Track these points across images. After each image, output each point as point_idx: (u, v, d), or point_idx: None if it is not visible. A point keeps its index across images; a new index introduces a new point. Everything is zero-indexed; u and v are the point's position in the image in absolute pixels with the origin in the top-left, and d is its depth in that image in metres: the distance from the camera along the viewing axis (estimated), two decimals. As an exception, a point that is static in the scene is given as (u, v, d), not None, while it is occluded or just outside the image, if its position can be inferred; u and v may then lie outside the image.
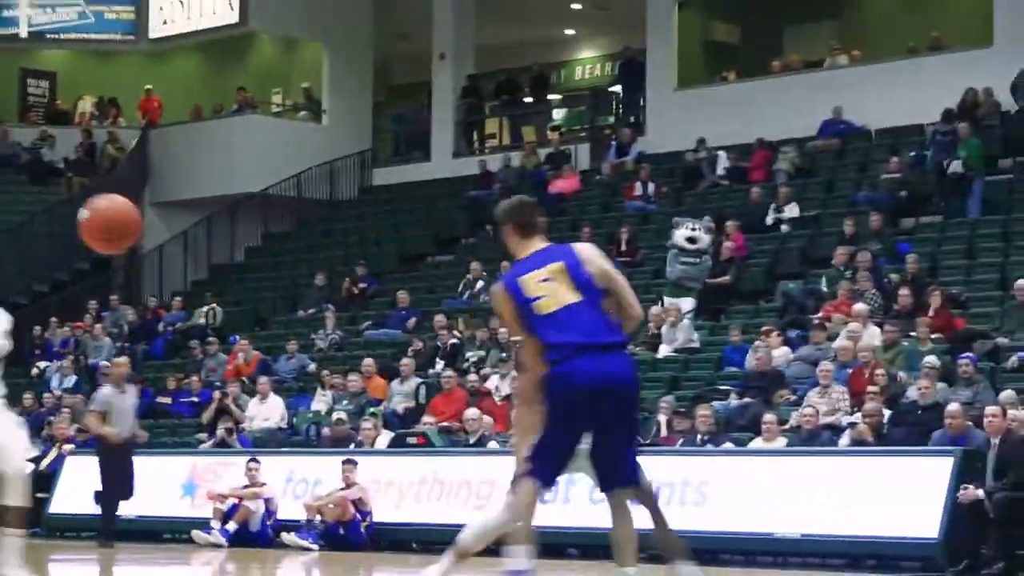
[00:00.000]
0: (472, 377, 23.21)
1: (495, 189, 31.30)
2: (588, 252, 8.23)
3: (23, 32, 39.38)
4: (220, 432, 22.90)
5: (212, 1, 37.37)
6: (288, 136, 36.64)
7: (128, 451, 19.68)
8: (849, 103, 29.35)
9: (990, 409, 16.64)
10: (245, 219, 35.90)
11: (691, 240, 24.93)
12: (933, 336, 20.52)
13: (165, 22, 38.31)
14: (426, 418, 22.06)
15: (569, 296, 8.00)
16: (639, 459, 8.22)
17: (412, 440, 20.99)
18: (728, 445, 18.60)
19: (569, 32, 40.10)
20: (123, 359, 21.56)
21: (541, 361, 7.94)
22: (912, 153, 27.02)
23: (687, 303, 24.31)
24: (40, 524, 21.86)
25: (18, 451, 10.10)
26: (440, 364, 24.49)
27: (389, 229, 33.99)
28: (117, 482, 19.48)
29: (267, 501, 20.21)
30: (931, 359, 19.02)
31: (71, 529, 22.75)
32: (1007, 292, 21.84)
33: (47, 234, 34.22)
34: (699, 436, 18.86)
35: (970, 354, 19.31)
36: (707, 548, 15.95)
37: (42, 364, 29.90)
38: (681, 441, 19.04)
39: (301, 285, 32.12)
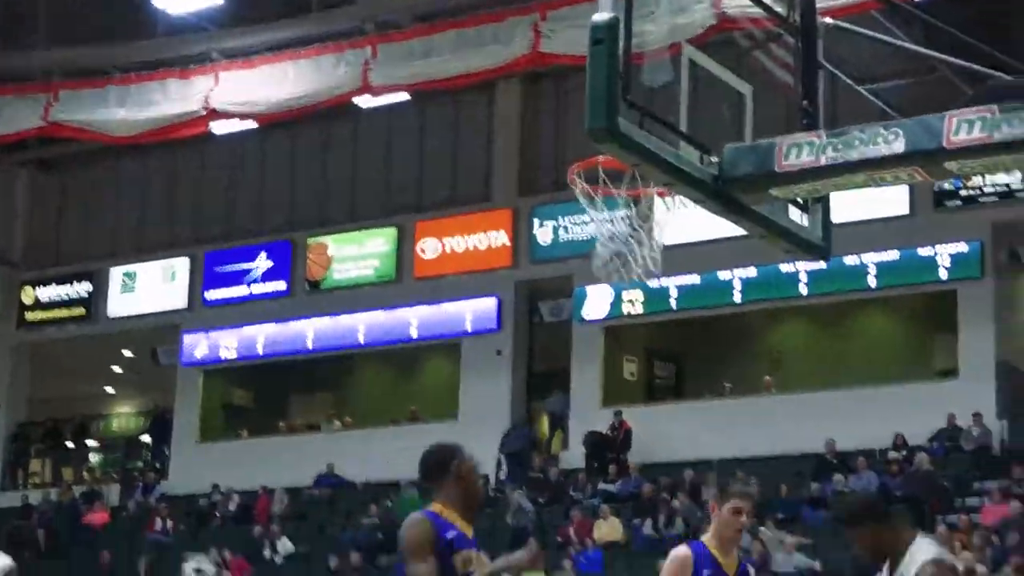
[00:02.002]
0: None
1: (34, 519, 30.52)
2: None
3: None
4: None
5: None
6: None
7: None
8: (340, 460, 29.89)
9: None
10: None
11: (198, 572, 24.67)
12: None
13: None
14: None
15: None
16: None
17: None
18: None
19: (109, 389, 39.69)
20: None
21: None
22: (388, 503, 27.73)
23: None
24: None
25: None
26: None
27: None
28: None
29: None
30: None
31: None
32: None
33: None
34: None
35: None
36: None
37: None
38: None
39: None
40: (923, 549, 6.27)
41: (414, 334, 30.63)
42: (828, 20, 7.73)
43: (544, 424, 29.93)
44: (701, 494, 25.25)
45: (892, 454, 24.30)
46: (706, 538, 7.12)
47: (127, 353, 36.35)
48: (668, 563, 7.02)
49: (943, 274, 25.97)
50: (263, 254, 32.39)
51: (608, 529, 24.54)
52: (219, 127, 28.95)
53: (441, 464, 6.77)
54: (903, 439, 24.59)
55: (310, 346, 31.53)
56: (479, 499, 6.77)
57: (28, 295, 35.08)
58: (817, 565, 21.51)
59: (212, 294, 32.83)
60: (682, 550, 7.06)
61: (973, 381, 25.37)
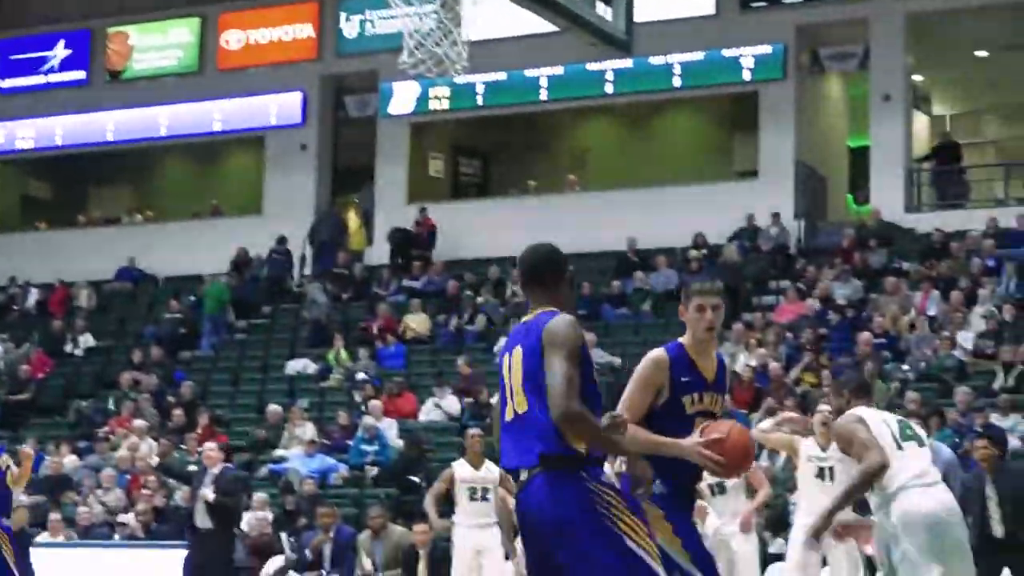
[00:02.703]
0: None
1: None
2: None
3: None
4: None
5: None
6: None
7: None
8: (142, 254, 29.28)
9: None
10: None
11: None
12: (199, 450, 20.65)
13: None
14: None
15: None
16: None
17: None
18: None
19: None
20: None
21: None
22: (192, 298, 27.36)
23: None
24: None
25: None
26: None
27: None
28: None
29: None
30: (196, 468, 19.17)
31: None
32: (263, 415, 22.32)
33: None
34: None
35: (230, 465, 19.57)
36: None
37: None
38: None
39: None
40: None
41: (217, 127, 29.93)
42: None
43: (352, 217, 29.61)
44: (505, 291, 25.33)
45: (692, 252, 24.53)
46: (683, 339, 6.86)
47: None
48: (641, 366, 6.70)
49: (746, 75, 26.03)
50: (61, 43, 31.16)
51: (416, 323, 24.49)
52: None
53: (557, 265, 5.96)
54: (703, 238, 24.82)
55: (110, 138, 30.62)
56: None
57: None
58: (617, 361, 21.76)
59: (7, 83, 31.58)
60: (657, 352, 6.71)
61: (772, 181, 25.65)
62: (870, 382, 11.69)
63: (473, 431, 14.63)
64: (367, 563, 15.78)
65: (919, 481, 8.21)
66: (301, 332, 25.88)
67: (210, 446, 15.92)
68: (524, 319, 5.82)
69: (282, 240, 27.70)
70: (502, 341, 22.74)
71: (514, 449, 5.60)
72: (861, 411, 8.51)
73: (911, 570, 8.00)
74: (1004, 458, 11.49)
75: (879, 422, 8.43)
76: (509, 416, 5.62)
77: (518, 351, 5.68)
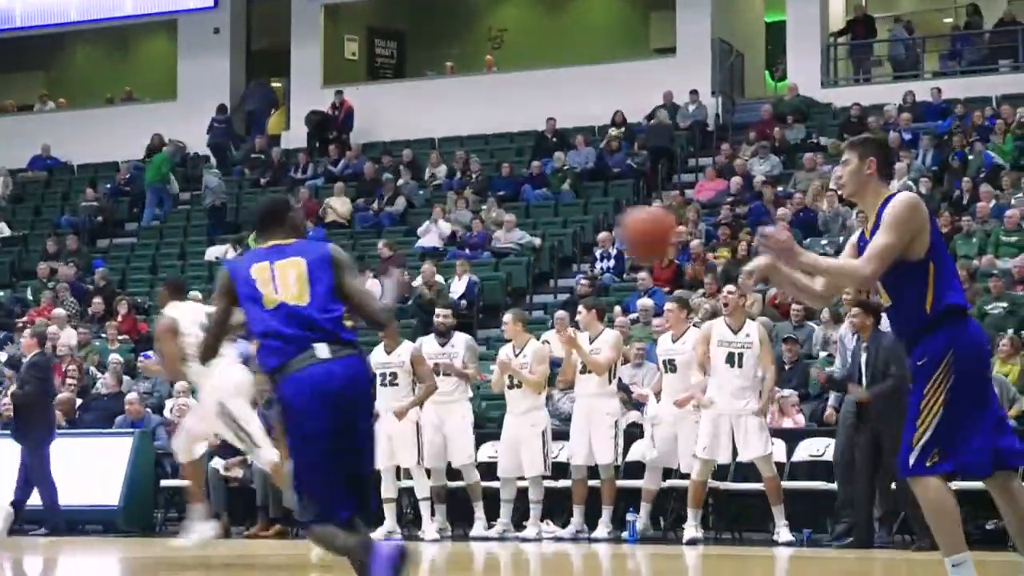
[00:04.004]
0: None
1: None
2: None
3: None
4: None
5: None
6: None
7: None
8: (56, 142, 28.66)
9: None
10: None
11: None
12: (120, 338, 20.42)
13: None
14: None
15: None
16: None
17: None
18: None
19: None
20: None
21: None
22: (108, 186, 26.88)
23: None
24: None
25: None
26: None
27: None
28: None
29: None
30: (116, 356, 18.94)
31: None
32: (183, 301, 21.96)
33: None
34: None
35: (150, 353, 19.33)
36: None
37: None
38: None
39: None
40: None
41: (128, 10, 29.32)
42: None
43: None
44: (424, 173, 25.05)
45: (612, 131, 24.33)
46: None
47: None
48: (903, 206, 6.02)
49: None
50: (-36, -74, 30.26)
51: (338, 205, 24.17)
52: None
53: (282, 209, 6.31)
54: (622, 116, 24.60)
55: (18, 23, 29.88)
56: None
57: None
58: (537, 241, 21.62)
59: (-90, -32, 30.67)
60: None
61: (689, 59, 25.42)
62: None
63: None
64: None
65: None
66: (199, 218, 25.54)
67: (28, 332, 16.19)
68: (279, 243, 6.04)
69: (222, 109, 27.33)
70: (424, 224, 22.54)
71: None
72: None
73: None
74: (878, 326, 11.75)
75: None
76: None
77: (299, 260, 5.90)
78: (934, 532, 5.98)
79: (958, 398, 5.84)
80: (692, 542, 12.56)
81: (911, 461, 5.92)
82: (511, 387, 13.59)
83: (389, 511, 13.68)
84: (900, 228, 5.89)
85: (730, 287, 13.05)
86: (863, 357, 11.92)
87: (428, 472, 13.81)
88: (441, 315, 14.30)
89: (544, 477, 13.63)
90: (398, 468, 13.85)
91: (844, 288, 8.51)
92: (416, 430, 13.66)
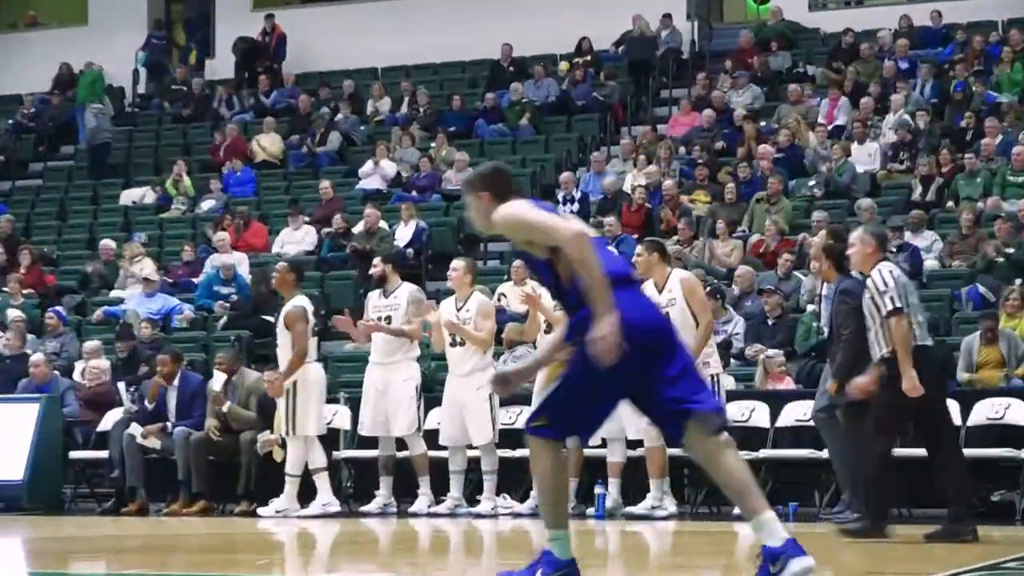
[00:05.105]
0: None
1: None
2: None
3: None
4: None
5: None
6: None
7: None
8: (-48, 72, 28.44)
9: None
10: None
11: None
12: (24, 292, 20.17)
13: None
14: None
15: None
16: None
17: None
18: None
19: None
20: None
21: None
22: (10, 121, 26.59)
23: None
24: None
25: None
26: None
27: None
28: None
29: None
30: (18, 313, 18.71)
31: None
32: (95, 251, 21.78)
33: None
34: None
35: (59, 308, 19.19)
36: None
37: None
38: None
39: None
40: None
41: (32, -75, 29.01)
42: None
43: (181, 32, 28.92)
44: (366, 106, 24.85)
45: (575, 60, 24.18)
46: None
47: None
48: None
49: None
50: None
51: (268, 143, 23.95)
52: None
53: None
54: (588, 43, 24.44)
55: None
56: None
57: None
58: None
59: None
60: None
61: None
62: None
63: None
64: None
65: None
66: (136, 157, 25.31)
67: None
68: None
69: (159, 24, 27.13)
70: (366, 164, 22.35)
71: None
72: None
73: None
74: (844, 272, 11.66)
75: None
76: None
77: None
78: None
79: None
80: (651, 516, 12.50)
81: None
82: (453, 345, 13.46)
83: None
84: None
85: (639, 248, 12.89)
86: (825, 309, 11.86)
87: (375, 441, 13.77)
88: (379, 265, 14.12)
89: (497, 445, 13.51)
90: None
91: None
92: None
